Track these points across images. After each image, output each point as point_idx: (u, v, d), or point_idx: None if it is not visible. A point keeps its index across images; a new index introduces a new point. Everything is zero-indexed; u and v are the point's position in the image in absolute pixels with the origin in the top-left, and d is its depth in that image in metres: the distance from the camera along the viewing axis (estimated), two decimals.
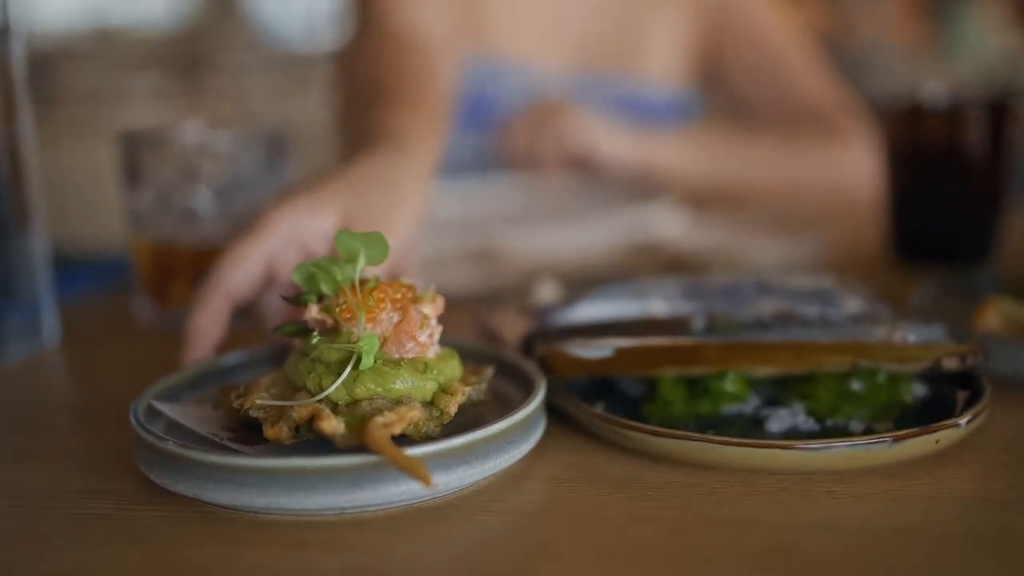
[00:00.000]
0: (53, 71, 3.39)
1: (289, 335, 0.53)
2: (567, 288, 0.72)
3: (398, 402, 0.48)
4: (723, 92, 1.38)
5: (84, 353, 0.73)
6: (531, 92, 1.27)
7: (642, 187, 1.15)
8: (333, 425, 0.46)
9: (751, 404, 0.55)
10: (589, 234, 0.99)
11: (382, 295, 0.50)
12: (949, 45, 3.75)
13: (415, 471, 0.43)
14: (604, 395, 0.57)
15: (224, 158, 0.75)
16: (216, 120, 0.75)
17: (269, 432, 0.47)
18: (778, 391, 0.56)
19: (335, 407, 0.48)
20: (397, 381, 0.48)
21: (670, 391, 0.55)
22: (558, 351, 0.56)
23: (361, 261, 0.51)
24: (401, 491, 0.45)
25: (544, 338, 0.61)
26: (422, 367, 0.50)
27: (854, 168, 1.26)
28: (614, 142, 1.18)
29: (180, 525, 0.46)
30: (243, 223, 0.75)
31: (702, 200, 1.15)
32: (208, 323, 0.61)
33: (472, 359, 0.57)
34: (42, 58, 3.45)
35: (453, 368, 0.51)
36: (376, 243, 0.52)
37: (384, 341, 0.50)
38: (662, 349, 0.55)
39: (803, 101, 1.29)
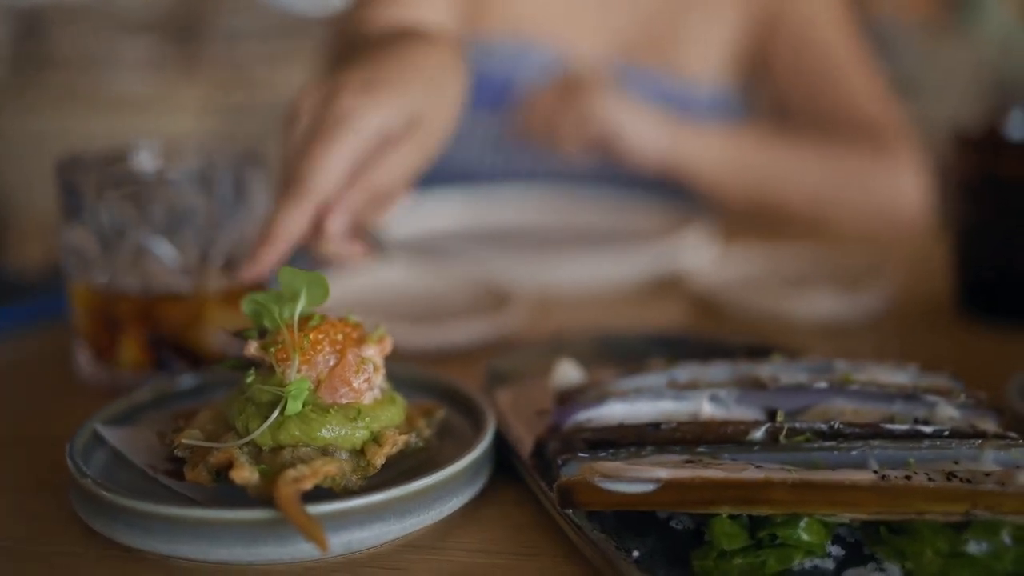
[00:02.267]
0: (44, 34, 3.25)
1: (232, 369, 0.52)
2: (586, 365, 0.60)
3: (323, 451, 0.46)
4: (767, 93, 1.25)
5: (14, 419, 0.61)
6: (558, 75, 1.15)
7: (672, 211, 1.03)
8: (245, 476, 0.45)
9: (830, 557, 0.43)
10: (610, 267, 0.88)
11: (321, 336, 0.49)
12: (967, 23, 3.62)
13: (312, 534, 0.41)
14: (629, 521, 0.45)
15: (185, 189, 0.62)
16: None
17: (189, 474, 0.46)
18: (865, 538, 0.44)
19: (259, 452, 0.46)
20: (323, 429, 0.47)
21: (726, 535, 0.43)
22: (584, 482, 0.44)
23: (301, 301, 0.49)
24: (307, 548, 0.43)
25: (564, 447, 0.50)
26: (353, 414, 0.48)
27: (900, 189, 1.13)
28: (642, 128, 1.04)
29: (104, 560, 0.45)
30: (203, 268, 0.63)
31: (734, 231, 1.03)
32: (296, 225, 0.58)
33: (431, 393, 0.57)
34: (34, 18, 3.31)
35: (392, 415, 0.49)
36: (317, 283, 0.50)
37: (318, 385, 0.48)
38: (719, 485, 0.43)
39: (851, 109, 1.16)
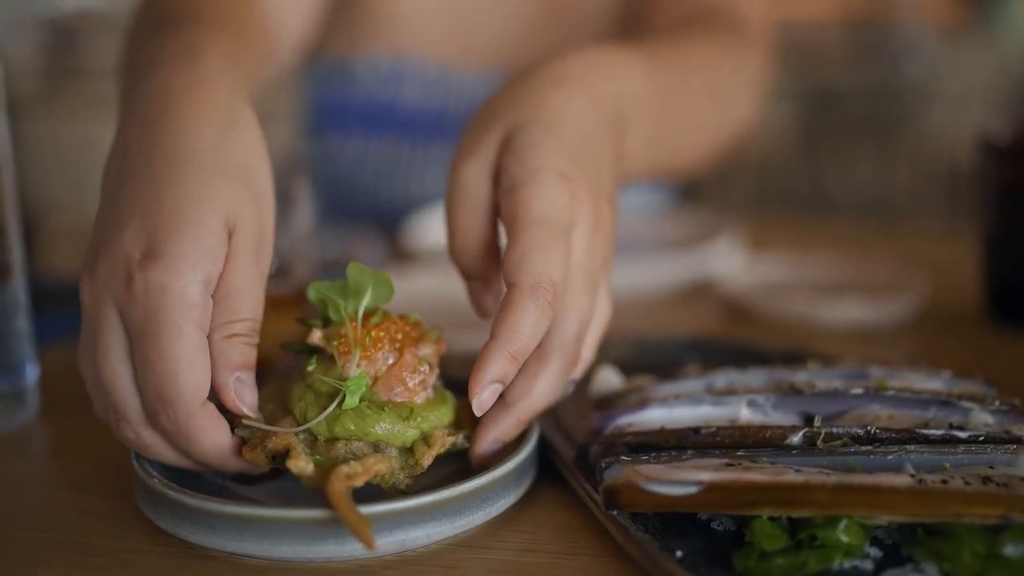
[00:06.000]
0: (76, 44, 3.30)
1: (295, 351, 0.53)
2: (624, 370, 0.61)
3: (375, 446, 0.48)
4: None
5: (72, 422, 0.64)
6: (445, 96, 1.14)
7: (701, 219, 1.05)
8: (301, 466, 0.47)
9: (869, 558, 0.44)
10: (643, 274, 0.89)
11: (382, 333, 0.50)
12: (991, 26, 3.61)
13: (360, 532, 0.43)
14: (672, 523, 0.47)
15: None
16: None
17: (247, 454, 0.48)
18: (903, 540, 0.45)
19: (314, 440, 0.49)
20: (377, 425, 0.48)
21: (767, 536, 0.44)
22: (629, 484, 0.46)
23: (367, 298, 0.51)
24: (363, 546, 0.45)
25: (606, 451, 0.52)
26: (406, 413, 0.49)
27: (743, 79, 0.93)
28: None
29: (170, 557, 0.47)
30: None
31: (762, 239, 1.04)
32: (220, 437, 0.49)
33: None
34: (66, 29, 3.36)
35: (441, 415, 0.51)
36: (382, 282, 0.51)
37: (375, 381, 0.50)
38: (760, 487, 0.44)
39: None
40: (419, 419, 0.50)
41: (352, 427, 0.48)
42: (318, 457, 0.48)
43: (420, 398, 0.51)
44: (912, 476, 0.45)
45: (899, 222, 3.06)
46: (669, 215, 1.08)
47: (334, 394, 0.49)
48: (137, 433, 0.48)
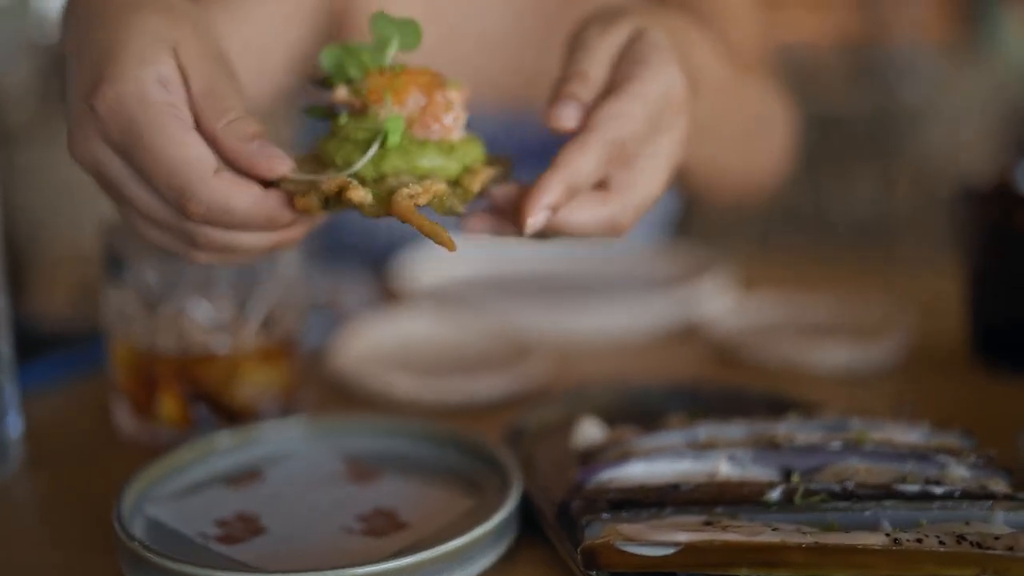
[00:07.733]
0: None
1: (318, 117, 0.54)
2: (608, 419, 0.62)
3: (423, 179, 0.49)
4: None
5: (57, 475, 0.64)
6: None
7: (690, 256, 1.05)
8: (361, 195, 0.47)
9: None
10: (629, 315, 0.90)
11: (408, 79, 0.51)
12: (985, 46, 3.63)
13: (438, 236, 0.46)
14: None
15: None
16: None
17: (299, 203, 0.48)
18: None
19: (363, 183, 0.49)
20: (423, 159, 0.50)
21: None
22: (607, 545, 0.46)
23: (393, 45, 0.52)
24: None
25: (587, 507, 0.52)
26: (447, 148, 0.51)
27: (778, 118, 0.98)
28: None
29: None
30: (239, 326, 0.66)
31: (751, 279, 1.04)
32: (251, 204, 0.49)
33: (456, 450, 0.59)
34: (60, 54, 3.37)
35: (476, 152, 0.52)
36: (409, 28, 0.53)
37: (410, 123, 0.51)
38: (736, 548, 0.45)
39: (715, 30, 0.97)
40: (460, 154, 0.51)
41: (399, 162, 0.49)
42: (374, 190, 0.48)
43: (456, 136, 0.52)
44: (887, 535, 0.45)
45: (899, 243, 3.07)
46: (657, 252, 1.09)
47: (373, 139, 0.49)
48: (202, 232, 0.49)
